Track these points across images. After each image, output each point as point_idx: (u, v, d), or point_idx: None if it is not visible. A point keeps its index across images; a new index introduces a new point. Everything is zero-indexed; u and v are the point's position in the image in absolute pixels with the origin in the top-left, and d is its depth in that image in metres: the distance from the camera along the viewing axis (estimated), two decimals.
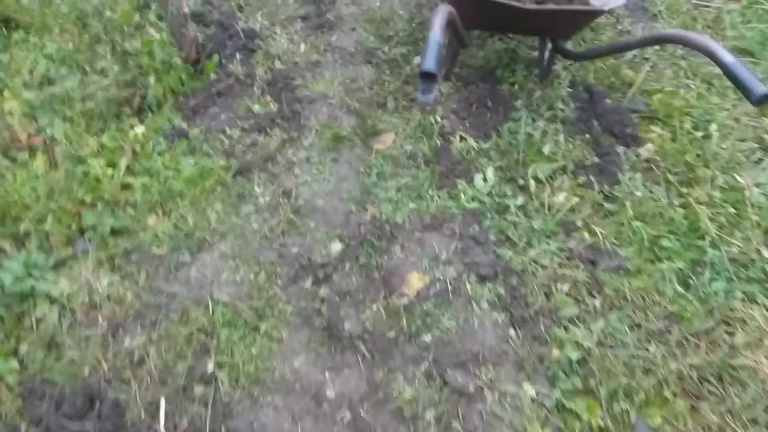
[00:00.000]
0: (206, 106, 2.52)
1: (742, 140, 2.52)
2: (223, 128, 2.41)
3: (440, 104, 2.57)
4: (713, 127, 2.52)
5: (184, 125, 2.40)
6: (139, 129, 2.32)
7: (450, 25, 1.78)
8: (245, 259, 1.95)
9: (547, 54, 2.63)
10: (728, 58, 1.65)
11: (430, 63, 1.43)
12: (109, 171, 2.10)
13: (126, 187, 2.09)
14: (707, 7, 3.32)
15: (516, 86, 2.68)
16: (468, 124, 2.52)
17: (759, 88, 1.55)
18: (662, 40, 1.95)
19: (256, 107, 2.52)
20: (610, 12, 2.16)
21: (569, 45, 2.53)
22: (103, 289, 1.82)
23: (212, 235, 2.00)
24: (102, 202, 2.01)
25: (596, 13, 2.22)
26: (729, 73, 1.64)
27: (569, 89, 2.69)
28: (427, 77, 1.45)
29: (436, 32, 1.51)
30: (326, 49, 2.89)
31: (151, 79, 2.48)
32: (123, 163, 2.14)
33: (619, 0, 2.16)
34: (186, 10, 2.43)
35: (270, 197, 2.15)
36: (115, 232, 1.96)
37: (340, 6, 3.15)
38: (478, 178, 2.27)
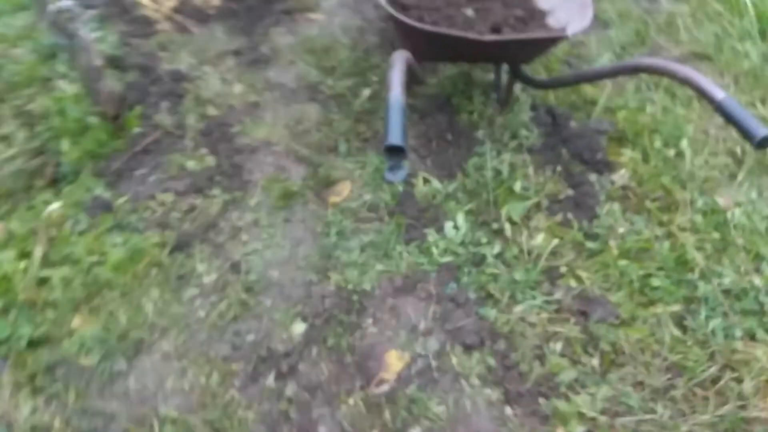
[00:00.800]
0: (132, 167, 2.21)
1: (715, 154, 2.40)
2: (154, 193, 2.11)
3: None
4: (684, 143, 2.39)
5: (107, 195, 2.09)
6: (55, 205, 1.99)
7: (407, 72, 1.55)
8: (193, 358, 1.67)
9: (505, 79, 2.44)
10: (719, 94, 1.48)
11: (395, 135, 1.19)
12: (22, 265, 1.78)
13: (43, 282, 1.77)
14: (658, 11, 3.22)
15: (475, 115, 2.47)
16: (430, 163, 2.30)
17: (759, 131, 1.39)
18: (640, 70, 1.78)
19: (191, 164, 2.23)
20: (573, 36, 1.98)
21: (528, 70, 2.35)
22: (24, 420, 1.51)
23: (151, 332, 1.71)
24: (15, 306, 1.69)
25: (558, 40, 2.04)
26: (722, 112, 1.48)
27: (531, 112, 2.51)
28: (395, 152, 1.21)
29: (397, 94, 1.27)
30: (264, 87, 2.61)
31: (65, 143, 2.15)
32: (38, 252, 1.82)
33: (582, 23, 1.98)
34: (99, 62, 2.11)
35: (216, 275, 1.87)
36: (33, 343, 1.64)
37: (275, 36, 2.88)
38: (448, 226, 2.05)
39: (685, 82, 1.58)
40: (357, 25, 2.94)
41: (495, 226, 2.06)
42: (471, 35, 1.91)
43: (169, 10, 2.88)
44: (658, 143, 2.40)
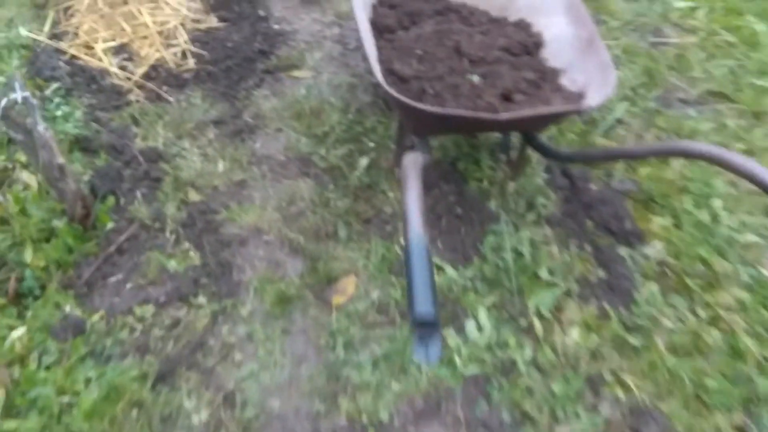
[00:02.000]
0: (105, 274, 1.94)
1: (751, 213, 2.18)
2: (131, 306, 1.85)
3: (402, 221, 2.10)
4: (716, 202, 2.18)
5: (77, 312, 1.82)
6: (19, 332, 1.73)
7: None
8: None
9: (516, 143, 2.21)
10: None
11: (424, 304, 0.94)
12: None
13: None
14: (665, 45, 3.01)
15: (485, 182, 2.24)
16: (441, 246, 2.05)
17: None
18: (687, 155, 1.55)
19: (172, 264, 1.97)
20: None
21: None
22: None
23: None
24: None
25: (579, 112, 1.82)
26: None
27: (545, 175, 2.28)
28: (425, 326, 0.96)
29: (419, 235, 1.01)
30: (251, 161, 2.36)
31: (28, 253, 1.89)
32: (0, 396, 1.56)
33: (604, 89, 1.75)
34: (60, 160, 1.85)
35: (207, 412, 1.61)
36: None
37: (258, 100, 2.63)
38: (470, 325, 1.81)
39: (745, 175, 1.36)
40: (347, 82, 2.70)
41: (523, 322, 1.82)
42: (484, 115, 1.67)
43: (140, 77, 2.63)
44: (688, 204, 2.18)
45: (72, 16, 2.86)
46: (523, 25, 2.24)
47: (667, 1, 3.29)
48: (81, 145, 2.35)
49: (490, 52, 2.04)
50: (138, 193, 2.19)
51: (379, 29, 2.17)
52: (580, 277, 1.95)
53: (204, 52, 2.76)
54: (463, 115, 1.66)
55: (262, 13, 3.11)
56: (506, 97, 1.92)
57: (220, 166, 2.32)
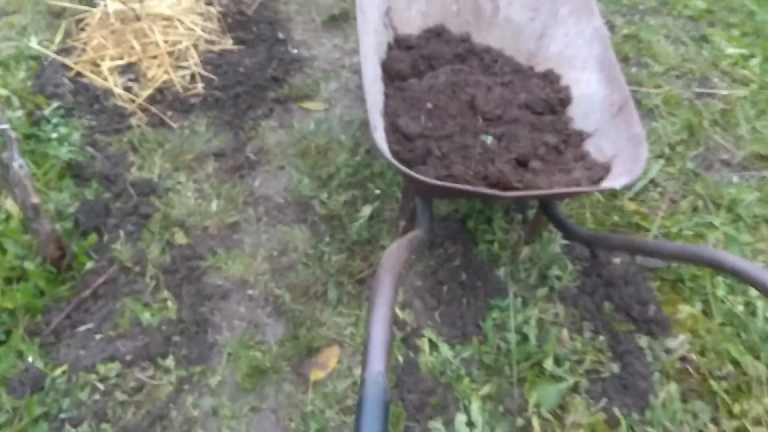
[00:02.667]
0: (75, 321, 1.82)
1: None
2: (95, 362, 1.71)
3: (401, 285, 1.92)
4: (754, 291, 1.93)
5: (40, 364, 1.70)
6: None
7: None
8: None
9: (532, 210, 2.01)
10: None
11: None
12: None
13: None
14: (711, 96, 2.76)
15: (496, 245, 2.04)
16: (438, 318, 1.87)
17: None
18: (716, 267, 1.32)
19: (146, 316, 1.83)
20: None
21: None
22: None
23: None
24: None
25: (601, 190, 1.61)
26: None
27: (564, 242, 2.07)
28: None
29: (377, 381, 0.83)
30: (247, 201, 2.22)
31: None
32: None
33: (634, 170, 1.54)
34: (34, 200, 1.72)
35: None
36: None
37: (265, 132, 2.48)
38: (459, 420, 1.62)
39: None
40: (359, 119, 2.54)
41: (520, 420, 1.63)
42: (488, 191, 1.48)
43: (145, 99, 2.51)
44: (721, 290, 1.95)
45: (83, 29, 2.77)
46: (551, 77, 2.04)
47: (718, 47, 3.03)
48: (73, 171, 2.24)
49: (508, 109, 1.84)
50: (123, 231, 2.06)
51: (390, 75, 1.99)
52: (591, 369, 1.74)
53: (214, 77, 2.63)
54: (464, 189, 1.47)
55: (281, 35, 2.97)
56: (521, 163, 1.73)
57: (214, 205, 2.18)
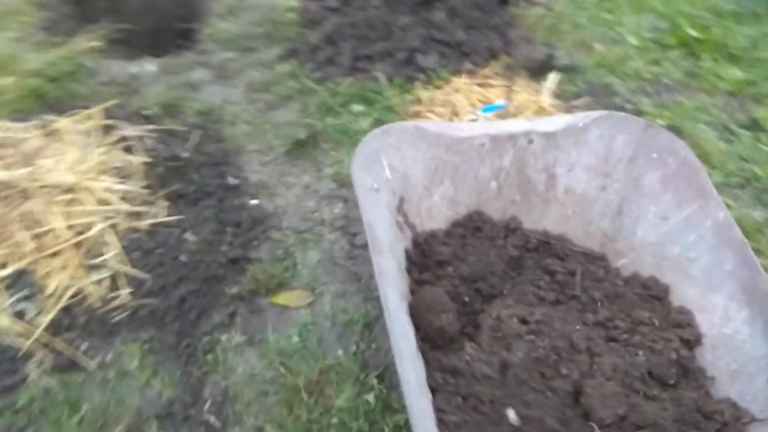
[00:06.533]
0: None
1: None
2: None
3: None
4: None
5: None
6: None
7: None
8: None
9: None
10: None
11: None
12: None
13: None
14: None
15: None
16: None
17: None
18: None
19: None
20: None
21: None
22: None
23: None
24: None
25: None
26: None
27: None
28: None
29: None
30: None
31: None
32: None
33: None
34: None
35: None
36: None
37: (229, 358, 1.74)
38: None
39: None
40: (360, 314, 1.82)
41: None
42: None
43: (45, 328, 1.71)
44: None
45: None
46: (654, 289, 1.38)
47: None
48: None
49: (633, 394, 1.15)
50: None
51: (426, 333, 1.28)
52: None
53: (146, 275, 1.85)
54: None
55: (232, 180, 2.22)
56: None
57: None
